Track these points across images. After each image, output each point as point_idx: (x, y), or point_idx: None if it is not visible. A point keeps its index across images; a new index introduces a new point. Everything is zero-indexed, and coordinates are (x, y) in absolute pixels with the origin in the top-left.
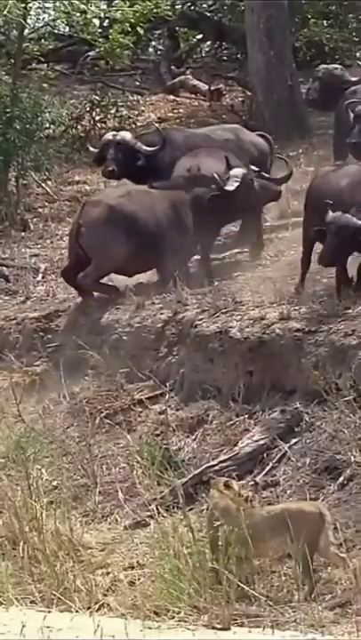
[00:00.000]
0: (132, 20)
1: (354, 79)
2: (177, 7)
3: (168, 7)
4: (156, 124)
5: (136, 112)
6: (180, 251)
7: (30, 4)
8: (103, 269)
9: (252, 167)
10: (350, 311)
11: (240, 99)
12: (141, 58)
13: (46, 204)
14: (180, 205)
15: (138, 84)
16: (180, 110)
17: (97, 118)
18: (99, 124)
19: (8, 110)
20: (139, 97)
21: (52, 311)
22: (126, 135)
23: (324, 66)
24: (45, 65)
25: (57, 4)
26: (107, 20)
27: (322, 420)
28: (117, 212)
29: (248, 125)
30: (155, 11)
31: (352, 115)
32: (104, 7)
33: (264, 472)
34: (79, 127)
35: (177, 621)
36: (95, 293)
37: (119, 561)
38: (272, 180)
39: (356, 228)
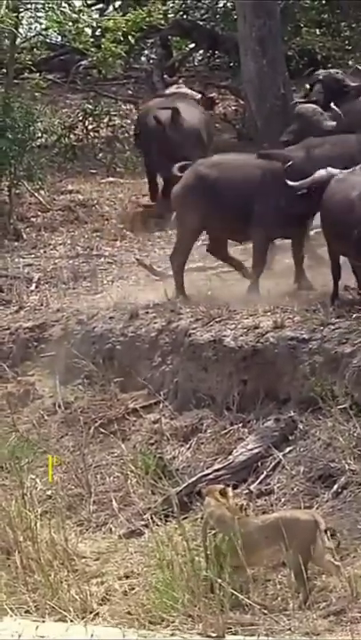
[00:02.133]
0: (125, 29)
1: (354, 84)
2: (169, 16)
3: (160, 16)
4: None
5: (129, 121)
6: (265, 227)
7: (22, 14)
8: (182, 241)
9: None
10: (344, 319)
11: (233, 107)
12: (134, 67)
13: (39, 213)
14: (270, 178)
15: (130, 92)
16: None
17: (90, 127)
18: (91, 134)
19: (0, 120)
20: (131, 106)
21: (46, 321)
22: None
23: (323, 70)
24: (37, 74)
25: (49, 13)
26: (99, 29)
27: (316, 428)
28: (199, 180)
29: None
30: (147, 19)
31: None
32: (96, 16)
33: (258, 481)
34: (72, 136)
35: (171, 630)
36: None
37: (114, 570)
38: None
39: None
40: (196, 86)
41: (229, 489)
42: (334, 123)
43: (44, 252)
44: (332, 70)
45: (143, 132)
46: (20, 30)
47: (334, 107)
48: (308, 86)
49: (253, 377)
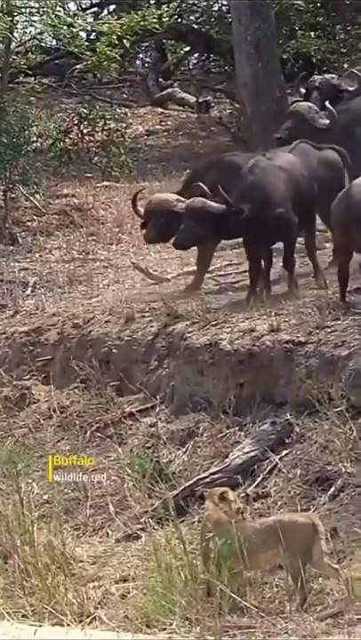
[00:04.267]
0: (119, 33)
1: (351, 89)
2: (164, 19)
3: (155, 19)
4: None
5: (124, 125)
6: None
7: (17, 18)
8: None
9: None
10: (340, 322)
11: (228, 111)
12: (129, 70)
13: (35, 217)
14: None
15: (125, 96)
16: (168, 123)
17: (85, 131)
18: (87, 137)
19: None
20: (126, 110)
21: (42, 325)
22: None
23: (319, 76)
24: (32, 78)
25: (44, 17)
26: (94, 33)
27: (313, 431)
28: None
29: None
30: (142, 23)
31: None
32: (91, 20)
33: (255, 484)
34: (67, 140)
35: (169, 634)
36: None
37: (111, 574)
38: None
39: (210, 213)
40: (192, 90)
41: (230, 492)
42: (328, 121)
43: (40, 256)
44: (327, 75)
45: None
46: (15, 34)
47: (329, 105)
48: (303, 90)
49: (250, 380)
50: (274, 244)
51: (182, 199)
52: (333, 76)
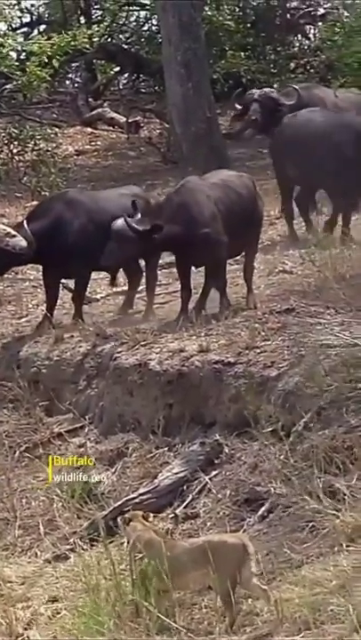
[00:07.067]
0: (50, 53)
1: (289, 102)
2: (94, 39)
3: (85, 39)
4: None
5: (54, 144)
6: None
7: None
8: None
9: None
10: (269, 343)
11: (158, 131)
12: (59, 90)
13: None
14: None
15: (55, 116)
16: (98, 143)
17: (14, 151)
18: (16, 157)
19: None
20: (56, 129)
21: None
22: None
23: (257, 90)
24: None
25: None
26: (24, 53)
27: (242, 451)
28: None
29: (167, 157)
30: (72, 43)
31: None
32: (21, 40)
33: (184, 504)
34: None
35: None
36: None
37: (40, 594)
38: None
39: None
40: (122, 110)
41: (150, 515)
42: (294, 100)
43: None
44: (266, 89)
45: None
46: None
47: (293, 86)
48: (237, 106)
49: (179, 401)
50: (204, 264)
51: (13, 232)
52: (273, 89)
